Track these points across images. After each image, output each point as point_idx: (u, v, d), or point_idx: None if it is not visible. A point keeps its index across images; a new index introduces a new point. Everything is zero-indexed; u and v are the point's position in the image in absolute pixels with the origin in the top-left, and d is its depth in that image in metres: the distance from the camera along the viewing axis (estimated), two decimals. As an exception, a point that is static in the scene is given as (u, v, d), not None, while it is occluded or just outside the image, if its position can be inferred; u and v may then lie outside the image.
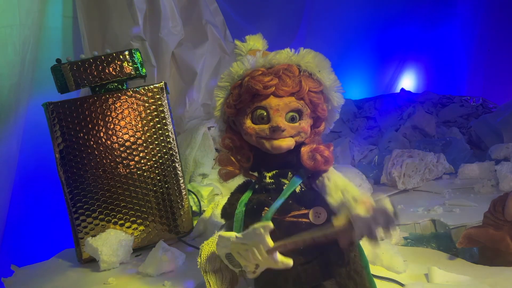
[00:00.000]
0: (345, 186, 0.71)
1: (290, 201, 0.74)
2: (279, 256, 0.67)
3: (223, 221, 0.86)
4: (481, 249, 1.02)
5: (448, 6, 3.28)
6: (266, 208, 0.73)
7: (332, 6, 2.99)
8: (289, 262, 0.67)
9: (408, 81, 3.48)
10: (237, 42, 0.84)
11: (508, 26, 2.92)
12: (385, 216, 0.57)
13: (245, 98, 0.75)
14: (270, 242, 0.67)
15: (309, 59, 0.76)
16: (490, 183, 1.42)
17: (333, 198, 0.71)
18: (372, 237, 0.60)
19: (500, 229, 0.95)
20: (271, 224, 0.67)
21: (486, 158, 1.66)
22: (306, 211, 0.73)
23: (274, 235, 0.68)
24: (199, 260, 0.81)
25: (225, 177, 0.82)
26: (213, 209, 1.28)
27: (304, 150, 0.75)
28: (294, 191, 0.74)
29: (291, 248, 0.67)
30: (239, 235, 0.71)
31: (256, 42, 0.83)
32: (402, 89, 3.18)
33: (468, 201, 1.29)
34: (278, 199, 0.73)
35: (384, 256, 0.97)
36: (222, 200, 1.31)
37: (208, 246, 0.82)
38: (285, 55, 0.76)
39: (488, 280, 0.87)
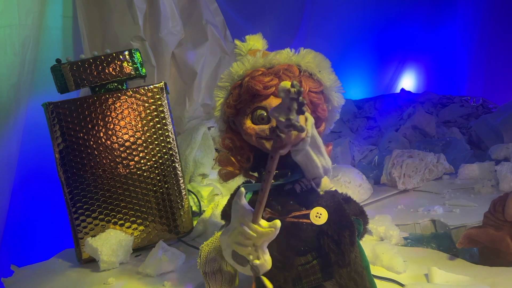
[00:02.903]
0: None
1: (291, 202, 0.74)
2: (264, 223, 0.67)
3: (223, 222, 0.86)
4: (481, 249, 1.02)
5: (448, 6, 3.28)
6: (267, 209, 0.73)
7: (332, 6, 2.99)
8: (276, 223, 0.66)
9: (408, 81, 3.48)
10: (237, 42, 0.83)
11: (508, 26, 2.92)
12: (286, 91, 0.54)
13: (245, 98, 0.75)
14: (249, 208, 0.67)
15: (310, 59, 0.76)
16: (490, 183, 1.42)
17: None
18: (294, 123, 0.56)
19: (500, 229, 0.95)
20: (242, 189, 0.67)
21: (486, 158, 1.66)
22: (306, 212, 0.73)
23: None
24: (199, 261, 0.81)
25: (225, 177, 0.82)
26: (213, 209, 1.28)
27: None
28: (294, 191, 0.74)
29: (264, 197, 0.65)
30: (227, 227, 0.72)
31: (256, 42, 0.83)
32: (402, 89, 3.19)
33: (468, 201, 1.29)
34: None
35: (384, 257, 0.97)
36: (222, 200, 1.31)
37: (208, 247, 0.81)
38: (285, 55, 0.76)
39: (488, 280, 0.87)
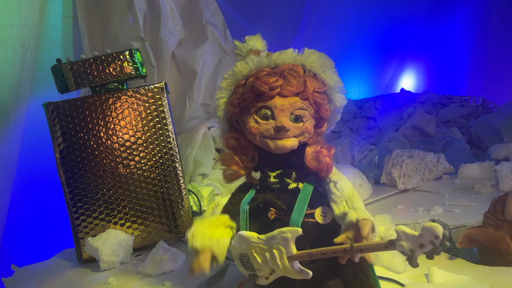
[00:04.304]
0: (350, 197, 0.71)
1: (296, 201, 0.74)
2: (299, 265, 0.67)
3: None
4: (481, 249, 1.02)
5: (448, 6, 3.28)
6: (272, 209, 0.74)
7: (332, 6, 2.99)
8: (309, 272, 0.67)
9: (408, 81, 3.48)
10: (237, 43, 0.84)
11: (508, 26, 2.92)
12: (434, 235, 0.53)
13: (249, 97, 0.75)
14: (294, 249, 0.67)
15: (314, 59, 0.76)
16: (490, 183, 1.42)
17: (337, 207, 0.71)
18: (412, 258, 0.56)
19: (500, 229, 0.95)
20: (300, 230, 0.67)
21: (486, 158, 1.66)
22: (312, 211, 0.73)
23: None
24: (189, 235, 0.78)
25: (230, 177, 0.81)
26: (213, 209, 1.28)
27: (309, 150, 0.76)
28: (299, 191, 0.74)
29: (314, 257, 0.66)
30: (262, 236, 0.71)
31: (256, 42, 0.83)
32: (402, 89, 3.19)
33: (468, 201, 1.29)
34: (298, 207, 0.73)
35: (384, 256, 0.97)
36: (222, 200, 1.31)
37: (201, 226, 0.79)
38: (289, 55, 0.76)
39: (488, 280, 0.87)
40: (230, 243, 0.76)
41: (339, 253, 0.64)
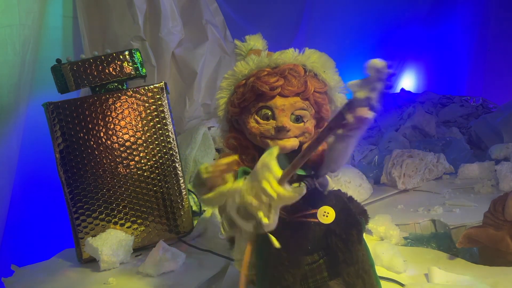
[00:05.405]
0: None
1: (297, 201, 0.74)
2: (288, 186, 0.65)
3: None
4: (481, 249, 1.02)
5: (448, 6, 3.28)
6: None
7: (332, 6, 2.99)
8: (302, 190, 0.64)
9: (408, 81, 3.48)
10: (237, 42, 0.83)
11: (508, 26, 2.92)
12: (377, 71, 0.50)
13: (249, 96, 0.75)
14: (278, 170, 0.64)
15: (315, 59, 0.76)
16: (490, 183, 1.42)
17: None
18: (369, 99, 0.52)
19: (500, 229, 0.95)
20: (276, 148, 0.65)
21: (486, 158, 1.66)
22: (314, 211, 0.73)
23: (282, 236, 0.68)
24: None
25: None
26: (213, 209, 1.28)
27: (306, 145, 0.76)
28: None
29: (301, 163, 0.62)
30: (246, 177, 0.68)
31: (256, 42, 0.83)
32: (402, 89, 3.19)
33: (468, 201, 1.29)
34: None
35: (384, 256, 0.97)
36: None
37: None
38: (290, 55, 0.76)
39: (488, 280, 0.87)
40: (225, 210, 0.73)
41: (313, 147, 0.61)
